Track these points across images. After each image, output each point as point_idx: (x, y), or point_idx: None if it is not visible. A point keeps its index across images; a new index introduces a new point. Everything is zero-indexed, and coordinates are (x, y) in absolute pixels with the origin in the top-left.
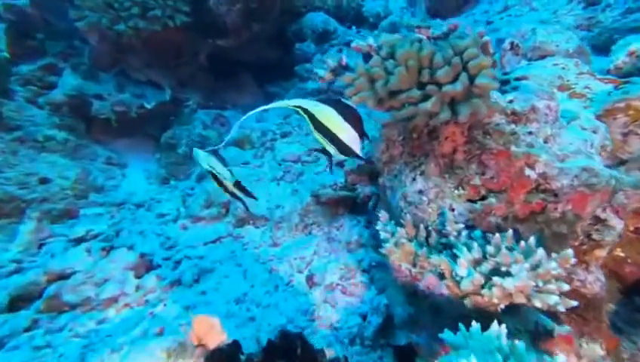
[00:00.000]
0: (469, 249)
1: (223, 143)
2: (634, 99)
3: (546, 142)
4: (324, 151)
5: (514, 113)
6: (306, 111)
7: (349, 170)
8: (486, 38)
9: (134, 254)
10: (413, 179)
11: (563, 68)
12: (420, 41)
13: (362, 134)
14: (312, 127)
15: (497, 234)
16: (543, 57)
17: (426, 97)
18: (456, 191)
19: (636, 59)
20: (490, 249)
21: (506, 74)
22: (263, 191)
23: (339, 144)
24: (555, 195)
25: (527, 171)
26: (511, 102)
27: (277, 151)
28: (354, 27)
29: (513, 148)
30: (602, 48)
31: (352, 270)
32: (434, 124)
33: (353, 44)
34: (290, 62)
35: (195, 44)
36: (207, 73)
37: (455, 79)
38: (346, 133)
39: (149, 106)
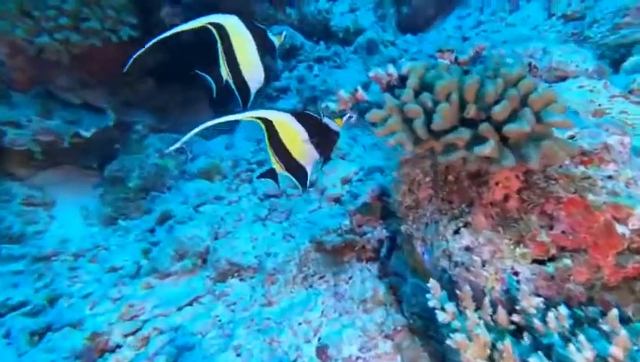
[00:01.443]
0: (578, 347)
1: (178, 144)
2: None
3: (627, 186)
4: (270, 174)
5: (582, 152)
6: (264, 120)
7: (354, 210)
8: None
9: (82, 334)
10: (456, 232)
11: (591, 90)
12: (448, 67)
13: (328, 157)
14: (266, 138)
15: (613, 315)
16: (562, 79)
17: (478, 138)
18: (517, 250)
19: None
20: (612, 350)
21: None
22: (247, 235)
23: (290, 163)
24: None
25: (617, 226)
26: (572, 138)
27: (257, 185)
28: (322, 42)
29: (590, 196)
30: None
31: (374, 337)
32: (485, 169)
33: (371, 74)
34: None
35: (143, 59)
36: (159, 92)
37: (513, 116)
38: (305, 154)
39: (87, 134)
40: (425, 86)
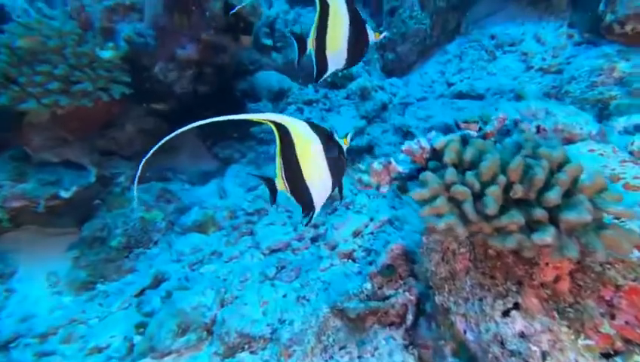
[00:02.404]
0: None
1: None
2: None
3: None
4: (269, 184)
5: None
6: (279, 127)
7: (375, 272)
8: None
9: None
10: (506, 314)
11: (601, 155)
12: (481, 140)
13: (341, 187)
14: (278, 148)
15: None
16: (569, 141)
17: (534, 224)
18: (579, 341)
19: None
20: None
21: None
22: (255, 299)
23: (298, 185)
24: None
25: None
26: (617, 218)
27: (259, 238)
28: (310, 85)
29: None
30: None
31: None
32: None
33: (405, 148)
34: (242, 123)
35: (128, 110)
36: (142, 138)
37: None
38: (320, 181)
39: (66, 195)
40: (462, 162)
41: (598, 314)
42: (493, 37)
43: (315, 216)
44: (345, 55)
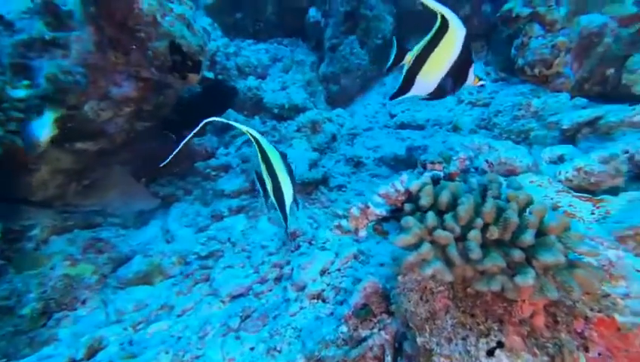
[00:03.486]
0: None
1: None
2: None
3: None
4: (263, 188)
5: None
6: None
7: (349, 314)
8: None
9: None
10: (491, 354)
11: (540, 186)
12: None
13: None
14: (261, 160)
15: None
16: (511, 173)
17: (514, 266)
18: None
19: (584, 174)
20: None
21: None
22: (218, 355)
23: (278, 191)
24: None
25: None
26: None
27: (217, 284)
28: (257, 117)
29: (619, 317)
30: None
31: None
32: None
33: (382, 192)
34: (182, 157)
35: (44, 151)
36: (58, 180)
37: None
38: (287, 187)
39: None
40: (437, 204)
41: (574, 348)
42: None
43: (287, 217)
44: (434, 87)
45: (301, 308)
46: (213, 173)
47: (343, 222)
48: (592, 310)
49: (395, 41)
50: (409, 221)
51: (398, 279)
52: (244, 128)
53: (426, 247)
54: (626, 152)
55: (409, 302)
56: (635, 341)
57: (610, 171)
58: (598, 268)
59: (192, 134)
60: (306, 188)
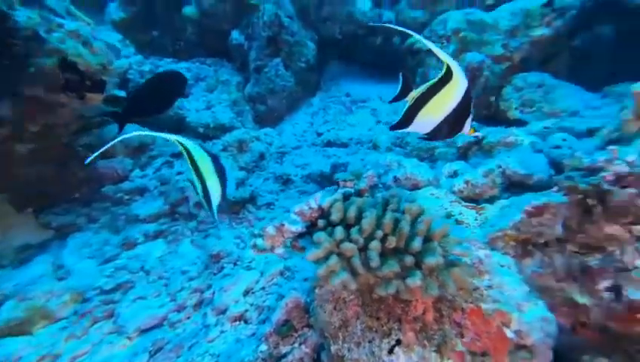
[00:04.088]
0: None
1: None
2: (507, 229)
3: (501, 292)
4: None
5: (469, 266)
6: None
7: (271, 332)
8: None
9: None
10: (391, 352)
11: (438, 197)
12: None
13: (224, 195)
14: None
15: None
16: (416, 186)
17: (406, 270)
18: None
19: (471, 186)
20: None
21: None
22: None
23: (205, 191)
24: (530, 352)
25: (505, 330)
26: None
27: (124, 319)
28: (176, 135)
29: (483, 305)
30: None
31: None
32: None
33: (296, 210)
34: (84, 181)
35: None
36: None
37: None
38: (214, 187)
39: None
40: (346, 219)
41: (453, 336)
42: (348, 94)
43: (215, 214)
44: (431, 128)
45: (221, 332)
46: (127, 197)
47: (259, 241)
48: (466, 302)
49: (402, 77)
50: (320, 236)
51: (315, 291)
52: (171, 137)
53: (333, 260)
54: (500, 167)
55: (324, 312)
56: (494, 323)
57: (489, 183)
58: (470, 266)
59: (111, 143)
60: (233, 208)
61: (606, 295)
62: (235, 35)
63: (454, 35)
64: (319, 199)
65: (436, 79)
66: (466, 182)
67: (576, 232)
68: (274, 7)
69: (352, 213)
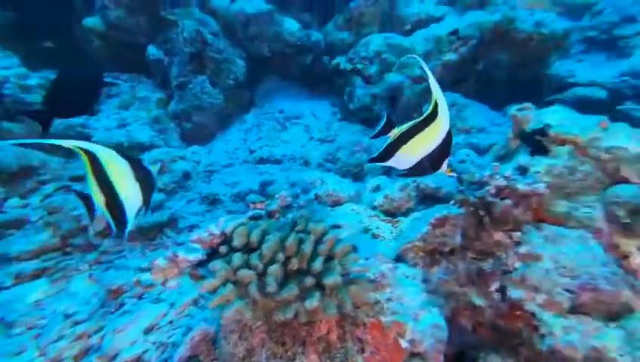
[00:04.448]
0: None
1: None
2: (415, 240)
3: (401, 304)
4: (86, 202)
5: (370, 281)
6: (87, 152)
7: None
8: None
9: None
10: None
11: (358, 213)
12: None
13: (148, 203)
14: (89, 170)
15: None
16: (337, 203)
17: (305, 292)
18: None
19: (390, 200)
20: None
21: None
22: None
23: (111, 201)
24: (423, 359)
25: (400, 341)
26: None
27: None
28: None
29: (383, 318)
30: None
31: None
32: None
33: (194, 238)
34: None
35: None
36: None
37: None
38: (131, 194)
39: None
40: (250, 243)
41: (355, 352)
42: (281, 111)
43: (128, 229)
44: (409, 165)
45: None
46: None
47: (144, 277)
48: (368, 316)
49: (385, 114)
50: (216, 265)
51: (221, 322)
52: (65, 142)
53: (228, 289)
54: (415, 181)
55: (228, 344)
56: (391, 335)
57: (405, 197)
58: (370, 281)
59: None
60: (147, 234)
61: (496, 296)
62: (152, 51)
63: (376, 57)
64: (222, 224)
65: (421, 118)
66: (386, 197)
67: (473, 240)
68: (195, 24)
69: (254, 237)
